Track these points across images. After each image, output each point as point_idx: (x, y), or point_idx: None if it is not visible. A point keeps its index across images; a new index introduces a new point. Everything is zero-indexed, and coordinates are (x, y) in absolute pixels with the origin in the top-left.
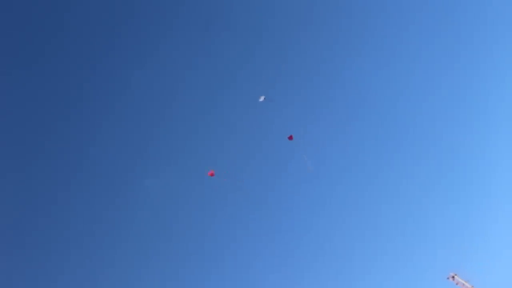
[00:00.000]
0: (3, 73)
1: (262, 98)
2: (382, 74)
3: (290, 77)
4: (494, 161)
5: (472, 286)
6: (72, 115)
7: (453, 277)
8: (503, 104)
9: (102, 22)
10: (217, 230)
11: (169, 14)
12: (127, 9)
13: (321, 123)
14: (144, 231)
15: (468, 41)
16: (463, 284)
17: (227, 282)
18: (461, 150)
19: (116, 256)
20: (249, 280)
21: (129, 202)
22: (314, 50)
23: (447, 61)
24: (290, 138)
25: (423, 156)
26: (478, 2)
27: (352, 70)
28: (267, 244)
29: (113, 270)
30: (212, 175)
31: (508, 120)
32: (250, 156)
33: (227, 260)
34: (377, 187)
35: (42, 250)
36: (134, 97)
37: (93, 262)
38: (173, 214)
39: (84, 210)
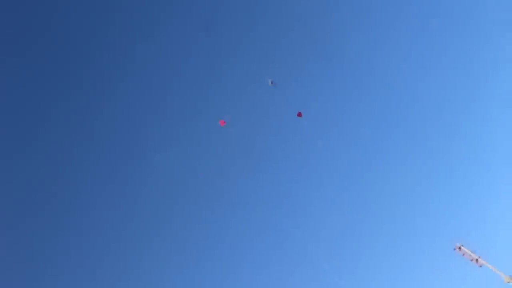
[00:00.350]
0: None
1: (270, 82)
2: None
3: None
4: (496, 133)
5: (479, 256)
6: (79, 88)
7: (459, 247)
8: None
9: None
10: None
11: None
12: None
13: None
14: (150, 208)
15: (467, 37)
16: (470, 255)
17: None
18: (463, 124)
19: (123, 233)
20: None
21: (137, 177)
22: (313, 46)
23: (442, 55)
24: (299, 115)
25: (427, 130)
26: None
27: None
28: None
29: (120, 246)
30: (223, 124)
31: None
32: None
33: (233, 235)
34: (382, 160)
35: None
36: (140, 71)
37: (100, 238)
38: (181, 188)
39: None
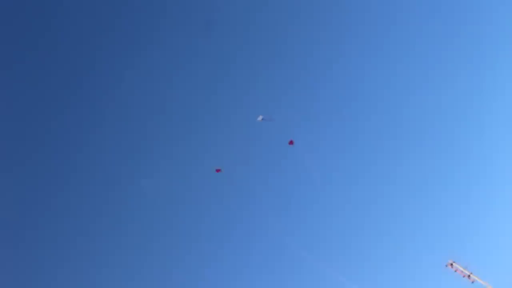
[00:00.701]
0: None
1: (260, 118)
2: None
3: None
4: (488, 152)
5: (471, 273)
6: (68, 115)
7: (451, 264)
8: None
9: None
10: (213, 229)
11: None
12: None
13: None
14: (140, 229)
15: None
16: (461, 271)
17: (221, 278)
18: (455, 143)
19: (112, 254)
20: (243, 279)
21: (124, 202)
22: (311, 49)
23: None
24: (291, 143)
25: (418, 149)
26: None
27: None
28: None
29: (108, 268)
30: (219, 171)
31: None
32: (246, 155)
33: (222, 257)
34: (373, 179)
35: (36, 248)
36: (128, 97)
37: (89, 260)
38: (169, 213)
39: (80, 208)
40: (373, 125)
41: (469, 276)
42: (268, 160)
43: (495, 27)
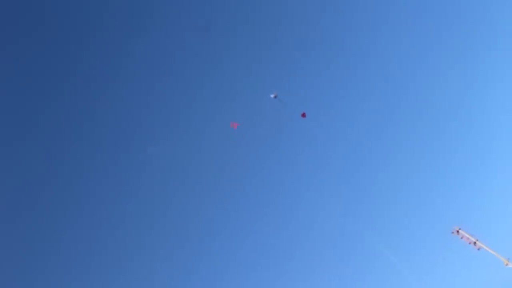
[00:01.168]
0: None
1: (274, 95)
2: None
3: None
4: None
5: (477, 239)
6: (76, 81)
7: (457, 231)
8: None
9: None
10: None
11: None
12: None
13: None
14: (146, 199)
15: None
16: (468, 238)
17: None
18: (458, 116)
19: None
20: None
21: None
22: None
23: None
24: (303, 115)
25: (424, 112)
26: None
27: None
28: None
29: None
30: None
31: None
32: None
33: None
34: (380, 147)
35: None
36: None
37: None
38: (176, 181)
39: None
40: (371, 116)
41: (475, 243)
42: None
43: (495, 27)
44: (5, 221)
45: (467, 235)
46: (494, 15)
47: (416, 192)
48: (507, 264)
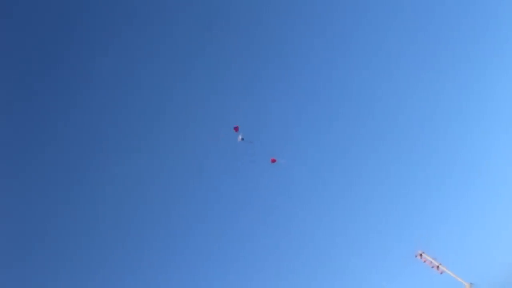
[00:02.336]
0: None
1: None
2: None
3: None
4: (457, 146)
5: (440, 263)
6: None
7: (420, 255)
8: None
9: None
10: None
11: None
12: None
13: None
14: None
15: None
16: (430, 262)
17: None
18: (421, 138)
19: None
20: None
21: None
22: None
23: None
24: (273, 161)
25: (390, 143)
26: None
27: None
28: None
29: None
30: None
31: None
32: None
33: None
34: (346, 168)
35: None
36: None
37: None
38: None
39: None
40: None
41: (438, 267)
42: None
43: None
44: None
45: (430, 259)
46: (494, 15)
47: (380, 216)
48: None
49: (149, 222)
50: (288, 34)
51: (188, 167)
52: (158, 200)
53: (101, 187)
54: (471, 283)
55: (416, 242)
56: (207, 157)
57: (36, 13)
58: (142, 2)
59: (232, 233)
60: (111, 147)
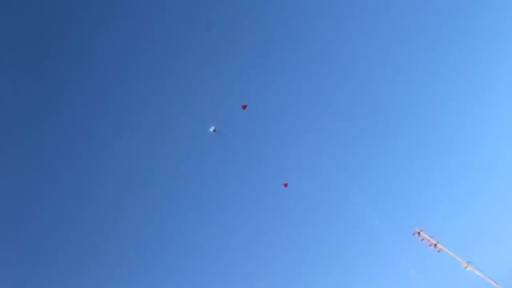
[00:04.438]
0: None
1: (212, 129)
2: None
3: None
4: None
5: (437, 242)
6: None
7: (418, 233)
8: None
9: None
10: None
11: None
12: None
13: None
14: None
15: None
16: (428, 240)
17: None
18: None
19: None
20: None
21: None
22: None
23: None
24: (244, 107)
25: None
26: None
27: None
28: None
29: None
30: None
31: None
32: None
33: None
34: (344, 147)
35: None
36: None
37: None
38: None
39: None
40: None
41: (435, 245)
42: None
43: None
44: None
45: (428, 237)
46: (494, 15)
47: (378, 193)
48: (466, 267)
49: (144, 221)
50: (288, 34)
51: (186, 166)
52: (157, 200)
53: (100, 186)
54: (468, 261)
55: (414, 220)
56: (205, 156)
57: (28, 11)
58: None
59: (232, 233)
60: (110, 146)
